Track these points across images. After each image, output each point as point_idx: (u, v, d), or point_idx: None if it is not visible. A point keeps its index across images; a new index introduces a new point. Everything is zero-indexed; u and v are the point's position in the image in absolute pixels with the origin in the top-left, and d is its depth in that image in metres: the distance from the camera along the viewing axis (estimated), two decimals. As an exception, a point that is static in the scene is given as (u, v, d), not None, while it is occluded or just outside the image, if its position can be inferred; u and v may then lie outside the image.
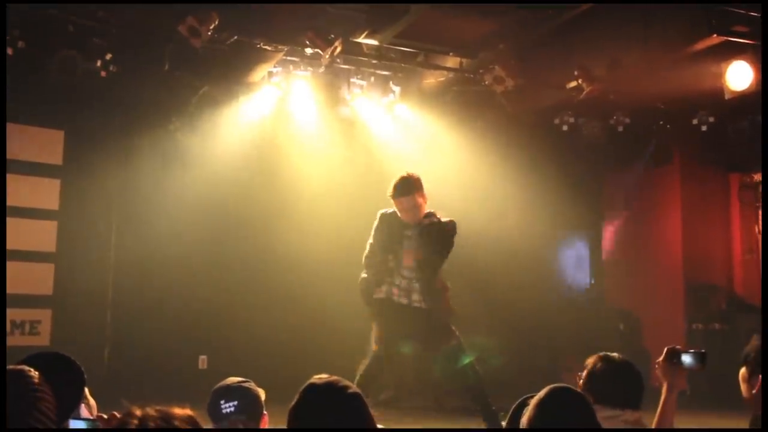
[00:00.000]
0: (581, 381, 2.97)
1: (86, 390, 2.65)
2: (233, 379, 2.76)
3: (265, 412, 2.75)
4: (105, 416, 2.33)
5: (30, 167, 7.55)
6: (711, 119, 8.29)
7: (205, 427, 1.66)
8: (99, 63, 6.80)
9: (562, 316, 9.33)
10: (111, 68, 6.87)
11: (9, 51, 6.38)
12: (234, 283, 8.21)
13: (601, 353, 3.05)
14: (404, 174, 5.20)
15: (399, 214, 5.22)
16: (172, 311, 7.90)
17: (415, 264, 5.17)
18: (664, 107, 8.59)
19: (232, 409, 2.64)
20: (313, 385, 2.06)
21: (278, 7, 6.74)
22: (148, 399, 1.81)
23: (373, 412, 2.09)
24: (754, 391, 3.48)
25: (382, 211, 5.30)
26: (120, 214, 8.00)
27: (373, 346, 5.26)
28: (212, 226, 8.12)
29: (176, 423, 1.56)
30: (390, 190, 5.16)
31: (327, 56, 6.95)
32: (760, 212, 8.97)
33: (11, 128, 6.92)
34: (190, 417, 1.61)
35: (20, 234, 7.29)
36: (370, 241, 5.30)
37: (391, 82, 8.28)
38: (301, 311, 8.17)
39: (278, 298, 8.25)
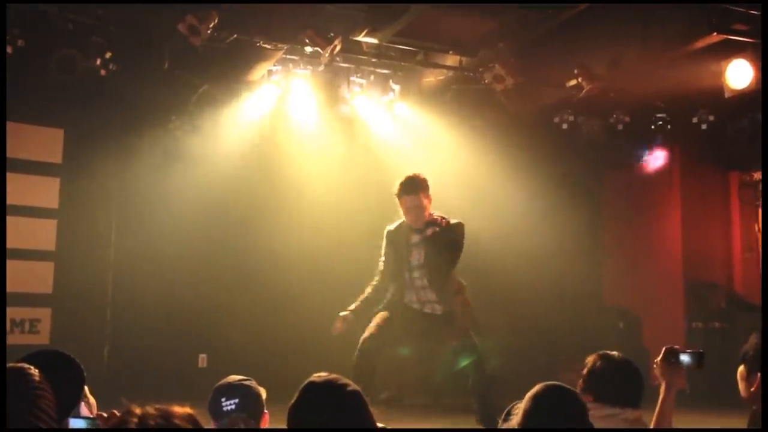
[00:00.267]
0: (581, 379, 2.98)
1: (86, 388, 2.65)
2: (235, 377, 2.76)
3: (265, 411, 2.74)
4: (105, 415, 2.32)
5: (30, 166, 7.56)
6: (711, 118, 8.28)
7: (204, 426, 1.66)
8: (99, 61, 6.79)
9: (561, 315, 9.32)
10: (111, 67, 6.86)
11: (9, 49, 6.38)
12: (234, 282, 8.22)
13: (601, 352, 3.06)
14: (411, 174, 5.21)
15: (403, 216, 5.23)
16: (171, 310, 7.90)
17: (425, 272, 5.19)
18: (664, 106, 8.58)
19: (233, 406, 2.64)
20: (312, 384, 2.07)
21: (278, 6, 6.74)
22: (147, 397, 1.81)
23: (373, 410, 2.09)
24: (752, 390, 3.48)
25: (387, 227, 5.35)
26: (120, 212, 8.00)
27: (362, 337, 5.21)
28: (212, 224, 8.12)
29: (176, 421, 1.56)
30: (396, 188, 5.18)
31: (326, 55, 6.95)
32: (760, 210, 8.98)
33: (11, 127, 6.91)
34: (189, 415, 1.60)
35: (20, 232, 7.30)
36: (382, 258, 5.36)
37: (390, 81, 8.27)
38: (301, 310, 8.15)
39: (278, 296, 8.24)
